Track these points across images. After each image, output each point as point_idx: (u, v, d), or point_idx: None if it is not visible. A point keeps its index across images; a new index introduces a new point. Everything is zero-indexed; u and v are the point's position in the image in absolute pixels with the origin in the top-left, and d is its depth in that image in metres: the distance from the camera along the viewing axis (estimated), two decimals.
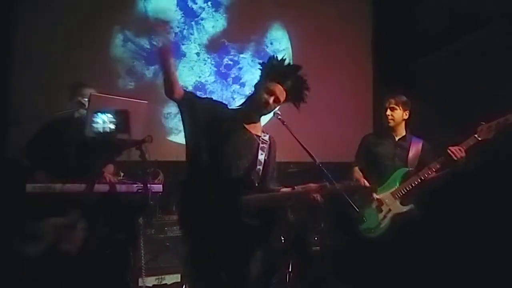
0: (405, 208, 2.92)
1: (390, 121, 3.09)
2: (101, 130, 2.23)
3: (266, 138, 2.40)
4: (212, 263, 2.20)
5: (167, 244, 3.46)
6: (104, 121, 2.24)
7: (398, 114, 3.08)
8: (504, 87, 3.32)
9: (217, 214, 2.11)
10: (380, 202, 2.95)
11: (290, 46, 4.86)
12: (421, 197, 2.94)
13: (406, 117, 3.11)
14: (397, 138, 3.11)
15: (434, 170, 2.83)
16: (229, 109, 2.38)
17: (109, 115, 2.27)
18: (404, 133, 3.12)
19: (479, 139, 2.70)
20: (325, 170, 2.27)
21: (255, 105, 2.31)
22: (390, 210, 2.92)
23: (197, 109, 2.22)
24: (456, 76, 3.94)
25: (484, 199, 3.41)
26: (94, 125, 2.18)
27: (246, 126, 2.34)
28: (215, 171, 2.17)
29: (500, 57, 3.46)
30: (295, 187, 2.29)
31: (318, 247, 3.97)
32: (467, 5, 3.68)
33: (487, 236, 3.35)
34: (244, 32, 4.71)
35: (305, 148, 2.35)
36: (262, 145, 2.34)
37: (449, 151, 2.73)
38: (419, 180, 2.86)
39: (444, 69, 4.10)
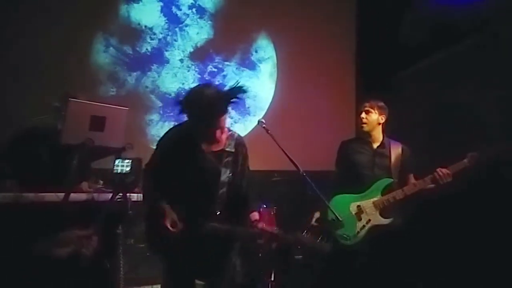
0: (385, 221, 2.84)
1: (364, 125, 2.99)
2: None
3: (232, 146, 2.22)
4: (190, 276, 2.17)
5: (147, 254, 3.38)
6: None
7: (372, 118, 2.99)
8: (485, 97, 3.37)
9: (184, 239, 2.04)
10: (360, 210, 2.88)
11: (275, 55, 4.86)
12: (401, 211, 2.89)
13: (382, 121, 3.01)
14: (375, 146, 3.01)
15: (419, 187, 2.81)
16: (183, 137, 2.17)
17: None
18: (381, 139, 3.03)
19: (468, 164, 2.73)
20: (308, 179, 2.26)
21: (205, 139, 2.14)
22: (369, 220, 2.85)
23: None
24: (439, 86, 3.99)
25: (465, 218, 3.41)
26: None
27: (205, 147, 2.17)
28: (176, 205, 2.07)
29: (482, 67, 3.51)
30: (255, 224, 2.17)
31: (300, 256, 3.94)
32: (450, 17, 3.73)
33: (467, 256, 3.35)
34: (229, 39, 4.70)
35: (289, 157, 2.32)
36: (226, 159, 2.18)
37: (436, 174, 2.75)
38: (403, 196, 2.82)
39: (427, 79, 4.15)
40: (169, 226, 2.03)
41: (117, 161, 2.35)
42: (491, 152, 2.68)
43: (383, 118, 3.02)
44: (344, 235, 2.82)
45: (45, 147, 2.48)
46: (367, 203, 2.88)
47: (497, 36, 3.38)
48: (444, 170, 2.74)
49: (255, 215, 2.23)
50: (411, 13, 4.17)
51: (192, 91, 2.08)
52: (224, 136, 2.18)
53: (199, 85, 2.16)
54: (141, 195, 2.81)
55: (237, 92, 2.03)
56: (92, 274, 2.68)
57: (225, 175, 2.15)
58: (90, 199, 2.43)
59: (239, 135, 2.30)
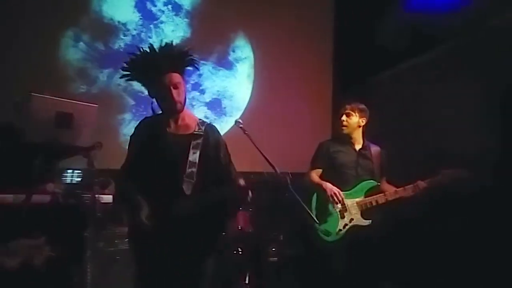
0: (366, 222, 2.88)
1: (344, 127, 3.03)
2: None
3: (201, 130, 2.20)
4: (162, 278, 2.08)
5: (117, 257, 3.25)
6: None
7: (353, 120, 3.03)
8: (464, 99, 3.41)
9: (158, 228, 1.99)
10: (344, 207, 2.90)
11: (252, 55, 4.80)
12: (381, 215, 2.94)
13: (362, 124, 3.06)
14: (357, 147, 3.05)
15: (400, 194, 2.88)
16: (150, 123, 2.22)
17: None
18: (362, 142, 3.08)
19: (442, 181, 2.82)
20: (288, 180, 2.20)
21: (164, 108, 2.15)
22: (352, 219, 2.88)
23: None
24: (416, 90, 4.00)
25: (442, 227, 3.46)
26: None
27: (170, 130, 2.17)
28: (145, 187, 2.04)
29: (461, 69, 3.55)
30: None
31: (275, 258, 3.89)
32: (430, 19, 3.76)
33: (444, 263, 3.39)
34: (205, 38, 4.60)
35: (266, 158, 2.26)
36: (195, 141, 2.15)
37: (416, 186, 2.84)
38: (385, 200, 2.88)
39: (405, 82, 4.17)
40: (144, 220, 1.98)
41: (68, 171, 2.25)
42: (459, 175, 2.77)
43: (363, 120, 3.06)
44: (326, 231, 2.84)
45: (5, 145, 2.32)
46: (351, 202, 2.91)
47: (476, 39, 3.42)
48: (422, 184, 2.83)
49: (241, 181, 2.18)
50: (390, 15, 4.19)
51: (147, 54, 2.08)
52: (191, 121, 2.18)
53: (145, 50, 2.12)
54: (111, 196, 2.73)
55: (184, 53, 2.07)
56: (55, 281, 2.55)
57: (194, 155, 2.10)
58: (56, 201, 2.30)
59: (210, 122, 2.28)
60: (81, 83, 4.10)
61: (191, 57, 2.13)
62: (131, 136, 2.22)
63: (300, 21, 4.94)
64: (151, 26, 4.41)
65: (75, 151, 2.22)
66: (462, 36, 3.56)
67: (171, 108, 2.10)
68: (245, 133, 2.43)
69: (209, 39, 4.62)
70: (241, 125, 2.47)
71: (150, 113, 4.20)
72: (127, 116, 4.26)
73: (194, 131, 2.17)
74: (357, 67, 4.59)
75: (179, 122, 2.17)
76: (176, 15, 4.50)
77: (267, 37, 4.83)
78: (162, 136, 2.12)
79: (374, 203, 2.88)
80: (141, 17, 4.35)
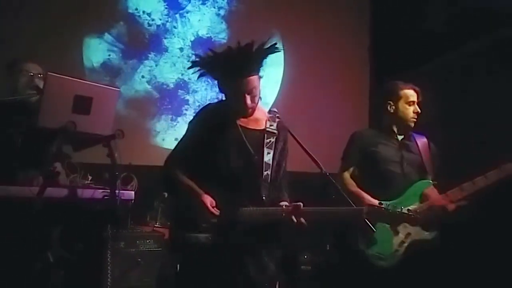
0: (429, 235, 2.32)
1: (416, 120, 2.47)
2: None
3: (274, 127, 1.98)
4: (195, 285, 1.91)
5: (139, 259, 3.06)
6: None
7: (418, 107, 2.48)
8: None
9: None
10: None
11: (282, 46, 4.52)
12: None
13: None
14: (399, 138, 2.51)
15: (466, 193, 2.31)
16: (218, 110, 2.00)
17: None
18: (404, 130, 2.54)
19: None
20: (333, 180, 1.92)
21: (235, 109, 1.93)
22: (409, 234, 2.31)
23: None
24: (460, 84, 3.65)
25: None
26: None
27: (240, 122, 1.94)
28: (213, 184, 1.86)
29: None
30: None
31: (308, 267, 3.59)
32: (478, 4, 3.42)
33: None
34: (233, 28, 4.36)
35: (309, 154, 1.96)
36: (268, 139, 1.93)
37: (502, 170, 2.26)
38: (448, 202, 2.32)
39: (449, 75, 3.82)
40: (212, 209, 1.81)
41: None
42: None
43: None
44: (378, 254, 2.30)
45: (18, 131, 2.11)
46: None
47: None
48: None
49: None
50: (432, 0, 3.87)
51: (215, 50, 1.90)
52: (262, 115, 1.98)
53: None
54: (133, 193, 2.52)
55: (268, 50, 1.90)
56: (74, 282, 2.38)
57: (269, 155, 1.91)
58: (73, 196, 2.08)
59: (281, 120, 2.04)
60: (104, 74, 3.95)
61: (272, 51, 1.97)
62: (191, 122, 2.03)
63: (335, 14, 4.62)
64: (177, 15, 4.21)
65: (95, 140, 1.99)
66: None
67: (242, 112, 1.92)
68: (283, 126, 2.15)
69: (236, 29, 4.37)
70: (277, 115, 2.10)
71: (175, 107, 4.09)
72: (151, 109, 4.07)
73: (266, 127, 1.97)
74: (396, 59, 4.25)
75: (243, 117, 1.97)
76: (202, 4, 4.29)
77: (298, 28, 4.54)
78: (233, 127, 1.92)
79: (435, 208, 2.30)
80: (166, 6, 4.17)
